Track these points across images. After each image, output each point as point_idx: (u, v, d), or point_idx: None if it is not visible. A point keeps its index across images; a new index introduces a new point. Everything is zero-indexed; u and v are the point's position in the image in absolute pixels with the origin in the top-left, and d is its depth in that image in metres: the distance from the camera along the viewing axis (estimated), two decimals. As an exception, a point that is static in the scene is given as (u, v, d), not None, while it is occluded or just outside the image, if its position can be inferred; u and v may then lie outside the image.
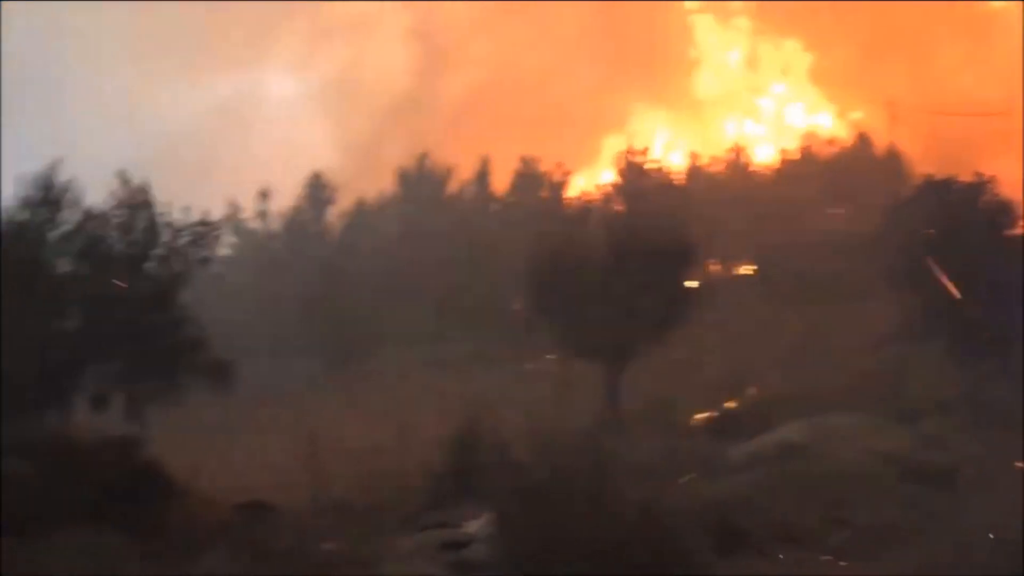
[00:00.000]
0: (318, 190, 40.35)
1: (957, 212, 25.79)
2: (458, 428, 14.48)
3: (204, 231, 12.78)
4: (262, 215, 39.07)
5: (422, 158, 41.98)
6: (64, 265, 12.25)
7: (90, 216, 12.24)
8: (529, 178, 42.57)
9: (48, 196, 12.32)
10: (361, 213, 40.69)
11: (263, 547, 8.52)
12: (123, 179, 12.50)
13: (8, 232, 11.97)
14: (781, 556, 10.40)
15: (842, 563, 10.29)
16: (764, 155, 53.31)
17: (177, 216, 12.60)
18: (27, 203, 12.28)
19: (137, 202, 12.36)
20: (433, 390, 22.32)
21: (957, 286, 23.16)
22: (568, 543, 9.16)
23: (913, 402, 18.01)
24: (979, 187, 27.60)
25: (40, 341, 11.32)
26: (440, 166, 41.98)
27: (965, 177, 31.23)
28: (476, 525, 10.73)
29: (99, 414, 11.47)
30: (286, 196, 39.92)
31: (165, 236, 12.41)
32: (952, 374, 20.64)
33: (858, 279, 31.52)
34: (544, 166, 43.14)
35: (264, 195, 38.96)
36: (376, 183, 42.13)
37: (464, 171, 42.46)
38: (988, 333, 21.88)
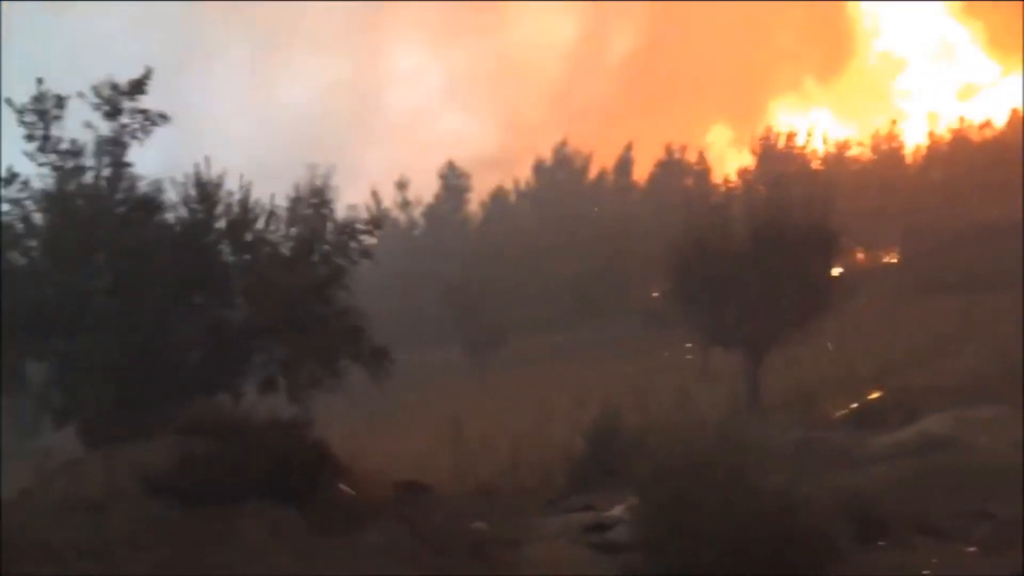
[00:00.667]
0: (454, 179, 41.36)
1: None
2: (599, 414, 14.95)
3: (364, 228, 13.51)
4: (404, 205, 40.24)
5: (561, 146, 42.57)
6: (232, 258, 13.13)
7: (257, 211, 13.10)
8: (672, 165, 42.69)
9: (205, 192, 13.18)
10: (500, 202, 41.58)
11: (421, 523, 9.17)
12: (310, 173, 13.29)
13: (179, 229, 12.92)
14: (920, 547, 10.51)
15: (985, 556, 10.36)
16: (916, 139, 52.14)
17: (339, 210, 13.40)
18: (187, 200, 13.18)
19: (311, 200, 13.15)
20: (571, 377, 22.85)
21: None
22: (710, 528, 9.51)
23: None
24: None
25: (214, 330, 12.29)
26: (579, 154, 42.52)
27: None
28: (619, 509, 11.18)
29: (266, 398, 12.33)
30: (428, 186, 41.12)
31: (329, 231, 13.17)
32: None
33: (1005, 267, 30.79)
34: (689, 154, 43.19)
35: (402, 185, 40.02)
36: (522, 171, 42.89)
37: (608, 158, 42.94)
38: None
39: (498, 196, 42.48)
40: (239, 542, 8.10)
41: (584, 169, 42.81)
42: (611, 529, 10.59)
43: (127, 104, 12.74)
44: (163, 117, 12.89)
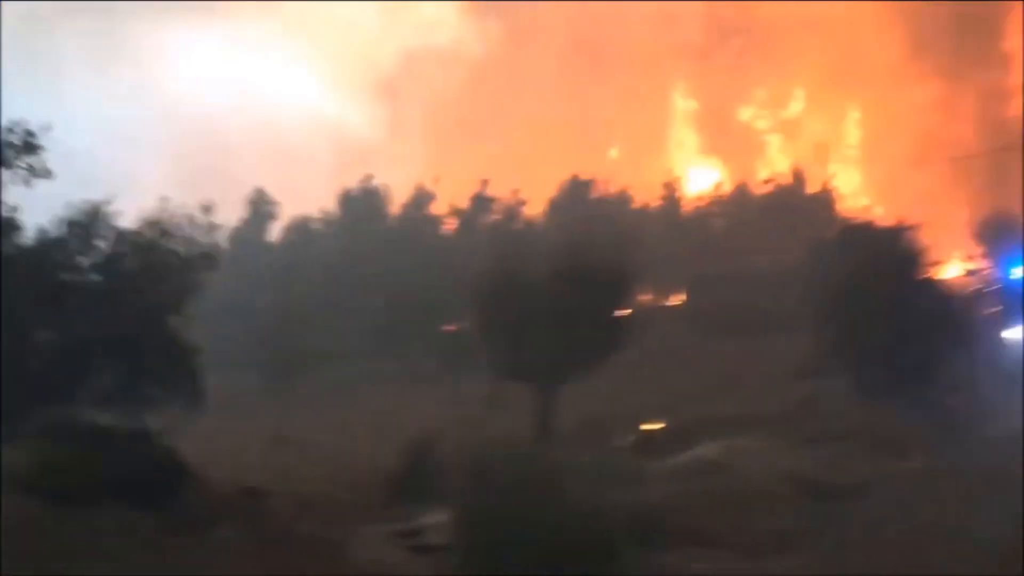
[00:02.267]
0: (261, 206, 41.87)
1: (874, 255, 28.28)
2: (409, 438, 16.40)
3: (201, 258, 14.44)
4: (210, 229, 40.29)
5: (367, 179, 43.68)
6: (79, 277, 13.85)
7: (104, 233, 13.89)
8: (479, 201, 44.54)
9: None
10: (304, 231, 42.19)
11: (263, 525, 10.32)
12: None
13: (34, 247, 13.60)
14: (693, 553, 12.43)
15: (745, 559, 12.39)
16: (703, 190, 56.02)
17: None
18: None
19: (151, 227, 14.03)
20: (375, 406, 23.91)
21: (869, 324, 25.63)
22: (516, 534, 11.12)
23: (819, 429, 20.30)
24: (898, 232, 30.25)
25: (62, 344, 13.03)
26: (383, 186, 43.71)
27: (888, 222, 33.92)
28: (432, 518, 12.68)
29: (102, 411, 13.10)
30: (231, 210, 41.30)
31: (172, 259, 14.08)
32: (856, 406, 23.04)
33: (780, 313, 34.04)
34: (498, 191, 45.08)
35: (207, 209, 40.10)
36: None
37: (411, 193, 44.33)
38: (890, 371, 24.40)
39: (300, 225, 43.14)
40: (96, 540, 9.02)
41: (386, 201, 43.98)
42: (425, 534, 12.05)
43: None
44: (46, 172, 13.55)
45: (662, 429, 21.46)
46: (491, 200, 45.73)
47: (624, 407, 23.05)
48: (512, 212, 46.07)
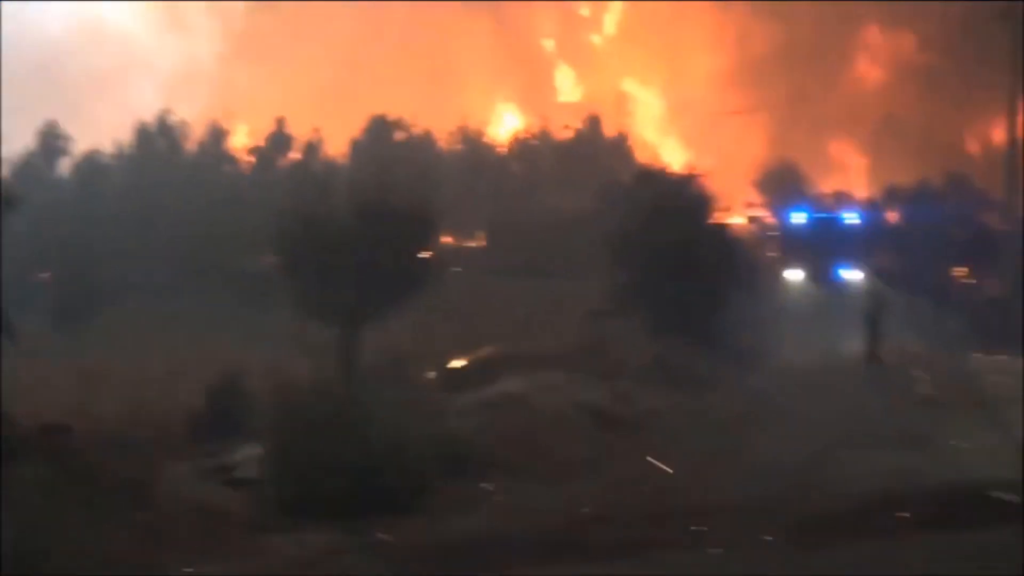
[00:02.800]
0: (52, 139, 40.13)
1: (665, 200, 29.74)
2: (213, 376, 16.43)
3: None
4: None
5: (164, 113, 42.37)
6: None
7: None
8: (277, 138, 43.93)
9: None
10: (96, 166, 40.69)
11: (69, 461, 10.34)
12: None
13: None
14: (496, 480, 13.13)
15: (543, 484, 13.19)
16: (506, 135, 56.88)
17: None
18: None
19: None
20: (177, 343, 23.62)
21: (659, 267, 27.04)
22: (329, 466, 11.51)
23: (612, 365, 21.45)
24: (687, 179, 31.86)
25: None
26: (180, 122, 42.50)
27: (677, 169, 35.62)
28: (243, 453, 12.91)
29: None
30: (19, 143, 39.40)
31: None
32: (646, 343, 24.38)
33: (577, 256, 35.26)
34: (299, 128, 44.58)
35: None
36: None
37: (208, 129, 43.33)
38: (679, 310, 25.92)
39: (92, 159, 41.61)
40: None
41: (184, 137, 42.87)
42: (237, 469, 12.30)
43: None
44: None
45: (466, 366, 22.14)
46: (289, 138, 45.24)
47: (428, 346, 23.57)
48: (311, 150, 45.72)
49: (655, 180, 32.69)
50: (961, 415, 17.77)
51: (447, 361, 22.50)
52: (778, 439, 15.86)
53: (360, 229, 24.95)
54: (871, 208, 48.59)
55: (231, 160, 43.23)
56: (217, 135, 43.97)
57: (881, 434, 16.15)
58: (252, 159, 43.28)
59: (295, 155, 44.95)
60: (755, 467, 14.02)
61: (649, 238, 27.58)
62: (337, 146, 48.55)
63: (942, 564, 9.23)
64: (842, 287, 40.02)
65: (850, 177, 61.65)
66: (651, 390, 20.06)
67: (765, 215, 55.39)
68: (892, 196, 49.20)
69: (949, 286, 31.32)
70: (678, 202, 30.01)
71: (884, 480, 12.89)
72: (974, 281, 43.16)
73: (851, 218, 45.14)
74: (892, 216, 48.67)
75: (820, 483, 13.03)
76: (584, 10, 68.34)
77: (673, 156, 52.37)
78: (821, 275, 42.98)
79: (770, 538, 10.12)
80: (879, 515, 10.95)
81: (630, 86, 66.58)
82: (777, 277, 44.10)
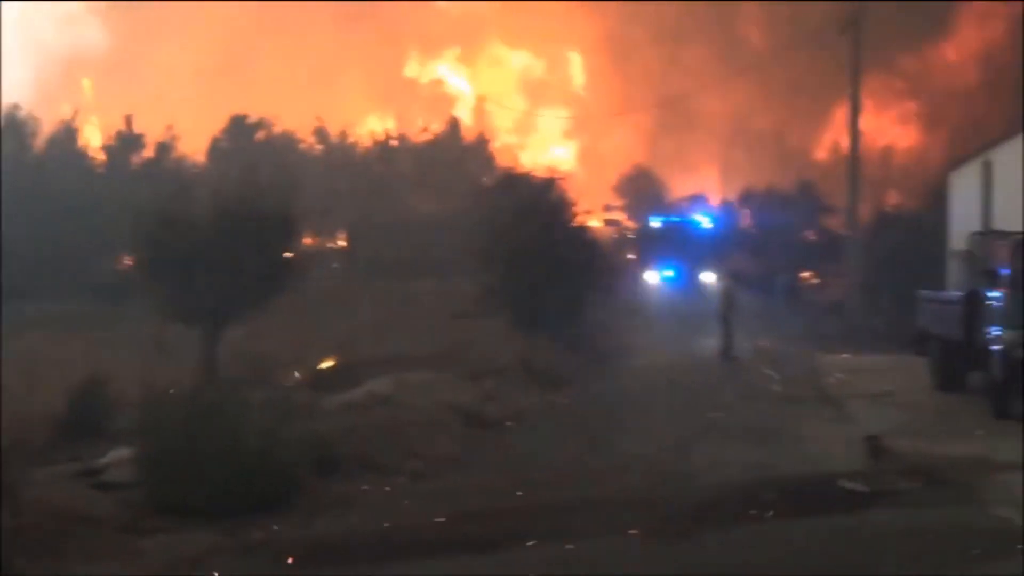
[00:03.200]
0: None
1: (528, 203, 30.29)
2: (76, 380, 16.06)
3: None
4: None
5: (13, 109, 40.94)
6: None
7: None
8: (130, 136, 42.91)
9: None
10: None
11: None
12: None
13: None
14: (365, 479, 13.27)
15: (412, 482, 13.38)
16: (370, 137, 56.88)
17: None
18: None
19: None
20: (36, 347, 22.90)
21: (522, 268, 27.51)
22: (200, 468, 11.46)
23: (478, 365, 21.79)
24: (549, 183, 32.54)
25: None
26: (32, 118, 41.14)
27: (540, 173, 36.31)
28: (108, 457, 12.72)
29: None
30: None
31: None
32: (512, 343, 24.81)
33: (442, 257, 35.57)
34: (156, 127, 43.64)
35: None
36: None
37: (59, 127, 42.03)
38: (541, 311, 26.45)
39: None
40: None
41: (35, 135, 41.52)
42: (106, 472, 12.11)
43: None
44: None
45: (333, 367, 22.16)
46: (139, 136, 44.26)
47: (294, 348, 23.51)
48: (164, 149, 44.80)
49: (517, 184, 33.27)
50: (810, 410, 18.68)
51: (314, 363, 22.49)
52: (641, 435, 16.43)
53: (222, 229, 24.61)
54: (725, 211, 50.54)
55: (83, 157, 42.07)
56: (70, 133, 42.72)
57: (737, 428, 16.86)
58: (103, 157, 42.24)
59: (148, 153, 44.03)
60: (619, 462, 14.49)
61: (511, 240, 28.06)
62: (198, 145, 47.82)
63: (797, 548, 9.79)
64: (697, 287, 41.50)
65: (707, 181, 63.72)
66: (518, 389, 20.47)
67: (624, 218, 57.00)
68: (744, 200, 51.27)
69: (796, 288, 32.78)
70: (539, 205, 30.62)
71: (741, 472, 13.51)
72: (818, 283, 45.30)
73: (705, 221, 46.89)
74: (745, 219, 50.76)
75: (681, 476, 13.57)
76: (452, 12, 69.00)
77: (536, 159, 53.38)
78: (678, 276, 44.49)
79: (634, 531, 10.53)
80: (738, 505, 11.49)
81: (493, 89, 67.50)
82: (636, 278, 45.43)
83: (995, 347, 16.71)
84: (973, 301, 18.25)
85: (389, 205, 50.73)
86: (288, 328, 25.07)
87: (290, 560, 10.03)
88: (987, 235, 20.47)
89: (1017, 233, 18.59)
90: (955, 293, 20.42)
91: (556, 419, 18.41)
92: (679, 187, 56.21)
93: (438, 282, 34.47)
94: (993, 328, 16.92)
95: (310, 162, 50.25)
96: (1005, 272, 16.95)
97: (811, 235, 48.64)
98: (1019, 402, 16.64)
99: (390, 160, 55.89)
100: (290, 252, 26.90)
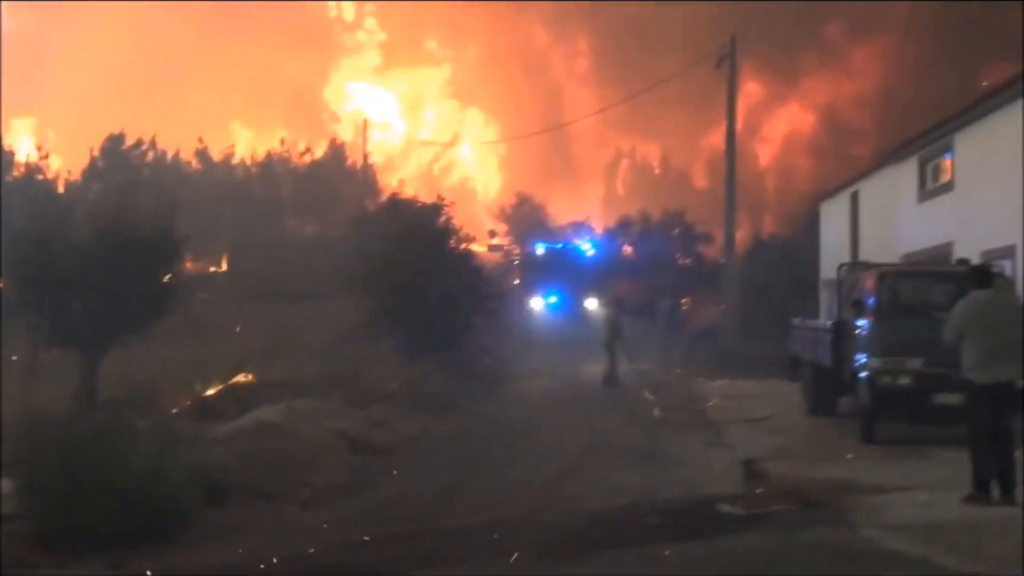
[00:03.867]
0: None
1: (413, 228, 30.54)
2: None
3: None
4: None
5: None
6: None
7: None
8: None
9: None
10: None
11: None
12: None
13: None
14: (255, 507, 13.29)
15: (302, 511, 13.46)
16: (252, 157, 56.39)
17: None
18: None
19: None
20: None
21: (407, 293, 27.73)
22: (86, 499, 11.37)
23: (366, 391, 21.90)
24: (435, 208, 32.83)
25: None
26: None
27: (428, 199, 36.53)
28: (-4, 488, 12.49)
29: None
30: None
31: None
32: (398, 369, 24.98)
33: (326, 281, 35.47)
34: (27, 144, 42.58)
35: None
36: None
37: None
38: (427, 336, 26.68)
39: None
40: None
41: None
42: (-13, 504, 11.89)
43: None
44: None
45: (221, 394, 21.99)
46: (9, 153, 43.12)
47: (179, 374, 23.24)
48: (34, 169, 43.72)
49: (402, 208, 33.49)
50: (690, 435, 19.30)
51: (199, 389, 22.28)
52: (527, 460, 16.80)
53: (99, 251, 24.10)
54: (607, 238, 51.49)
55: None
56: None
57: (620, 453, 17.36)
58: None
59: (17, 173, 42.92)
60: (506, 487, 14.79)
61: (397, 265, 28.29)
62: (74, 163, 46.75)
63: (676, 572, 10.23)
64: (581, 314, 42.22)
65: (591, 207, 64.85)
66: (405, 415, 20.66)
67: (508, 244, 57.57)
68: (623, 228, 52.31)
69: (676, 314, 33.67)
70: (425, 230, 30.92)
71: (624, 496, 13.95)
72: (696, 310, 46.54)
73: (587, 248, 47.75)
74: (626, 247, 51.78)
75: (567, 500, 13.93)
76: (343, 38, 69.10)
77: (422, 186, 53.68)
78: (562, 302, 45.17)
79: (520, 555, 10.83)
80: (621, 528, 11.90)
81: (380, 112, 67.64)
82: (522, 304, 45.98)
83: (862, 374, 17.58)
84: (841, 330, 19.18)
85: (271, 227, 50.36)
86: (172, 353, 24.77)
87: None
88: (854, 266, 21.52)
89: (881, 265, 19.69)
90: (825, 322, 21.39)
91: (444, 444, 18.67)
92: (563, 214, 57.18)
93: (324, 306, 34.40)
94: (860, 356, 17.79)
95: (191, 182, 49.59)
96: (870, 302, 17.88)
97: (687, 262, 49.93)
98: (884, 427, 17.56)
99: (273, 182, 55.52)
100: (171, 275, 26.48)
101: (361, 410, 19.96)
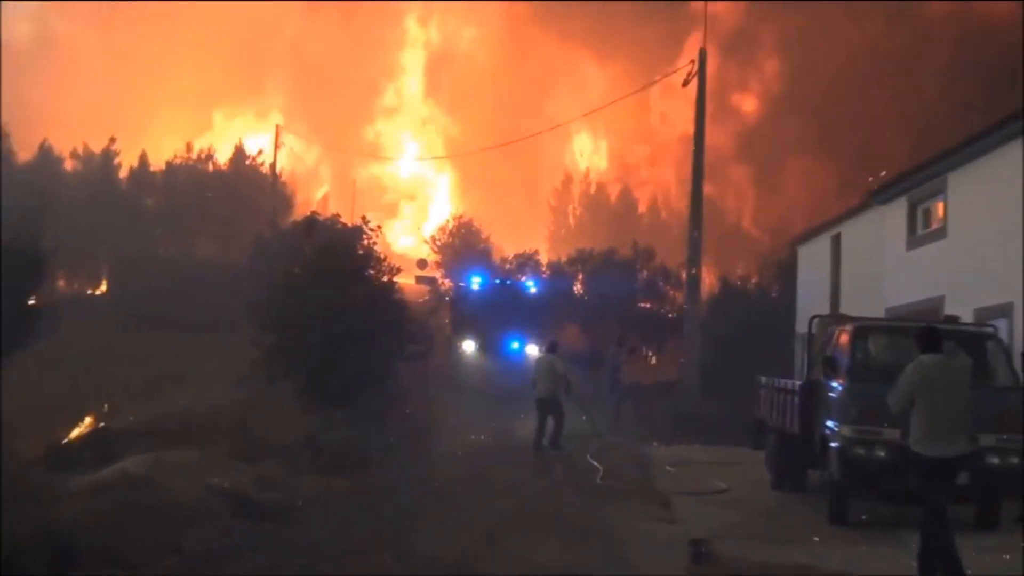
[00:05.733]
0: None
1: (331, 253, 30.27)
2: None
3: None
4: None
5: None
6: None
7: None
8: None
9: None
10: None
11: None
12: None
13: None
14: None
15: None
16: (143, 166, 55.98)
17: None
18: None
19: None
20: None
21: (317, 329, 27.46)
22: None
23: (257, 442, 21.60)
24: (358, 231, 32.70)
25: None
26: None
27: (346, 219, 36.42)
28: None
29: None
30: None
31: None
32: (299, 418, 24.68)
33: (218, 309, 35.11)
34: None
35: None
36: None
37: None
38: (337, 381, 26.42)
39: None
40: None
41: None
42: None
43: None
44: None
45: (79, 439, 21.61)
46: None
47: (33, 412, 22.80)
48: None
49: (315, 229, 33.27)
50: (635, 507, 19.22)
51: (57, 432, 21.87)
52: (442, 530, 16.61)
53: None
54: (555, 275, 51.60)
55: None
56: None
57: (552, 526, 17.23)
58: None
59: None
60: (409, 562, 14.60)
61: (306, 295, 28.00)
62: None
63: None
64: (520, 360, 42.14)
65: (538, 240, 65.03)
66: (303, 472, 20.37)
67: (440, 277, 57.58)
68: (576, 263, 52.49)
69: (622, 367, 33.62)
70: (341, 257, 30.69)
71: (548, 573, 13.83)
72: (652, 362, 46.73)
73: (530, 285, 47.79)
74: (577, 285, 51.94)
75: (481, 578, 13.78)
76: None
77: (346, 204, 53.56)
78: (499, 347, 45.05)
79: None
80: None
81: (300, 125, 67.63)
82: (451, 347, 45.83)
83: (833, 444, 17.62)
84: (811, 391, 19.24)
85: (163, 243, 49.81)
86: (31, 388, 24.34)
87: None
88: (828, 318, 21.63)
89: (858, 319, 19.80)
90: (793, 381, 21.47)
91: (344, 509, 18.39)
92: (509, 245, 57.32)
93: (218, 339, 33.99)
94: (831, 422, 17.85)
95: (67, 187, 48.98)
96: (844, 361, 17.96)
97: (645, 305, 50.19)
98: (857, 506, 17.62)
99: (168, 191, 55.00)
100: (36, 295, 26.25)
101: (249, 464, 19.66)
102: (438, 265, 57.22)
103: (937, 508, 12.59)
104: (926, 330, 13.67)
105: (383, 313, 29.90)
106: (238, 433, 22.11)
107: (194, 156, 57.55)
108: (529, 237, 60.66)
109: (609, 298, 47.85)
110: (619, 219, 67.85)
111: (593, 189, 74.40)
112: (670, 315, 48.49)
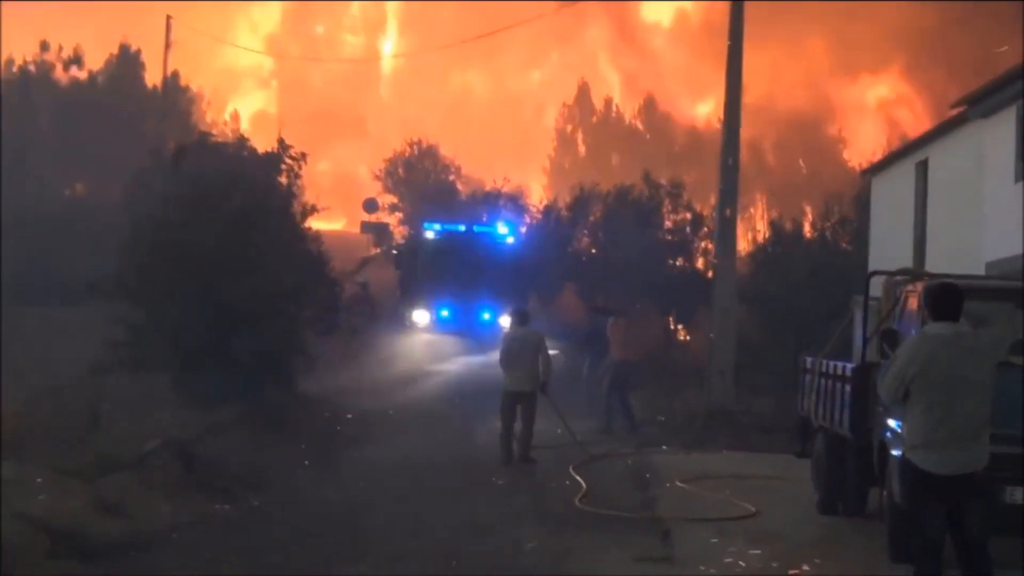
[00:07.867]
0: None
1: (227, 190, 29.77)
2: None
3: None
4: None
5: None
6: None
7: None
8: None
9: None
10: None
11: None
12: None
13: None
14: None
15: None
16: None
17: None
18: None
19: None
20: None
21: (203, 297, 27.06)
22: None
23: (104, 452, 21.22)
24: (272, 159, 32.33)
25: None
26: None
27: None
28: None
29: None
30: None
31: None
32: (169, 417, 24.30)
33: (82, 277, 34.57)
34: None
35: None
36: None
37: None
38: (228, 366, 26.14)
39: None
40: None
41: None
42: None
43: None
44: None
45: None
46: None
47: None
48: None
49: (201, 153, 32.81)
50: (619, 542, 18.80)
51: None
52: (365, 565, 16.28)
53: None
54: (546, 219, 51.28)
55: None
56: None
57: (497, 570, 16.89)
58: None
59: None
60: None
61: (183, 249, 27.58)
62: None
63: None
64: (488, 334, 41.83)
65: (535, 174, 64.77)
66: (162, 494, 19.98)
67: (395, 223, 57.30)
68: (577, 205, 52.19)
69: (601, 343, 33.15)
70: (242, 196, 30.24)
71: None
72: (686, 338, 46.48)
73: (505, 232, 47.14)
74: (580, 239, 51.66)
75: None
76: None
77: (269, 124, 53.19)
78: (461, 316, 44.73)
79: None
80: None
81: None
82: (400, 317, 45.58)
83: (894, 451, 16.97)
84: (867, 378, 18.65)
85: (15, 176, 49.40)
86: None
87: None
88: (893, 276, 20.91)
89: (934, 275, 19.03)
90: (844, 363, 20.86)
91: (216, 546, 18.00)
92: (489, 182, 56.39)
93: (73, 312, 33.70)
94: (893, 420, 17.20)
95: None
96: (910, 333, 17.21)
97: (677, 262, 49.93)
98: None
99: (21, 105, 54.76)
100: None
101: (88, 483, 19.24)
102: (398, 205, 56.94)
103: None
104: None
105: (297, 274, 29.45)
106: (81, 440, 21.73)
107: (53, 60, 57.16)
108: (522, 171, 60.29)
109: (620, 250, 47.56)
110: (645, 149, 67.72)
111: (619, 102, 73.97)
112: (709, 274, 48.12)
